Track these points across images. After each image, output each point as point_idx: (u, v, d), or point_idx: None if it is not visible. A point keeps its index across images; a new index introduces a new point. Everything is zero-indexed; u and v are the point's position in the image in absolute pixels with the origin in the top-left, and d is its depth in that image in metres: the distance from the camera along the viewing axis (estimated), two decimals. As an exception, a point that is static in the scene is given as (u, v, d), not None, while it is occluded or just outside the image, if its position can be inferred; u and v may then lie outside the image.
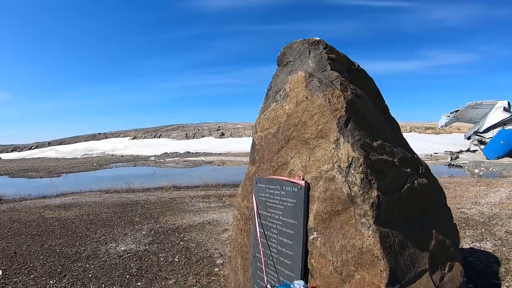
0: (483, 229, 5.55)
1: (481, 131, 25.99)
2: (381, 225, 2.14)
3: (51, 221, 7.25)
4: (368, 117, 2.65)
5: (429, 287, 2.17)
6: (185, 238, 5.91)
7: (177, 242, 5.69)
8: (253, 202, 3.07)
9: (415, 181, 2.51)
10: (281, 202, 2.69)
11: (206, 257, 5.01)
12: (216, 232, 6.10)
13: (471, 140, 26.97)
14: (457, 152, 26.97)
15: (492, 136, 24.22)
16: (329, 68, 2.72)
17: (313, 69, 2.78)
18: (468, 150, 27.81)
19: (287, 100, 2.91)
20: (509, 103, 26.09)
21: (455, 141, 34.15)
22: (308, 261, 2.42)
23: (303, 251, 2.44)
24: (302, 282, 2.24)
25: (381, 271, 2.07)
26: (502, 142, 22.23)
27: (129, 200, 9.70)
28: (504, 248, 4.38)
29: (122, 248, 5.40)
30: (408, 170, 2.54)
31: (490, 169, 17.76)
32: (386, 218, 2.17)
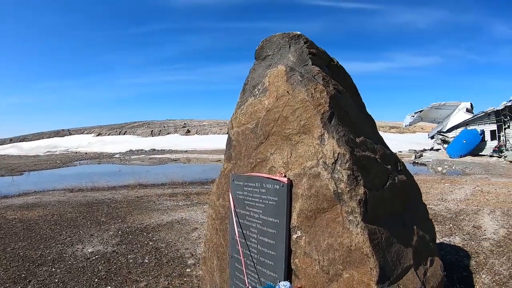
0: (451, 224, 5.67)
1: (444, 130, 26.27)
2: (368, 222, 2.05)
3: (14, 222, 6.66)
4: (349, 113, 2.56)
5: (415, 282, 2.12)
6: (154, 238, 5.59)
7: (146, 243, 5.36)
8: (229, 201, 2.88)
9: (396, 178, 2.46)
10: (261, 200, 2.53)
11: (176, 257, 4.74)
12: (186, 231, 5.83)
13: (434, 139, 27.13)
14: (421, 151, 27.40)
15: (455, 135, 24.56)
16: (310, 62, 2.60)
17: (294, 63, 2.64)
18: (431, 149, 28.23)
19: (266, 94, 2.76)
20: (471, 105, 26.60)
21: (419, 140, 34.94)
22: (292, 261, 2.28)
23: (286, 251, 2.29)
24: (288, 284, 2.09)
25: (371, 268, 1.98)
26: (464, 141, 22.57)
27: (95, 199, 9.10)
28: (472, 242, 4.48)
29: (89, 250, 5.01)
30: (389, 167, 2.49)
31: (453, 167, 17.89)
32: (372, 215, 2.09)
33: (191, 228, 5.91)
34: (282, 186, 2.35)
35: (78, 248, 5.12)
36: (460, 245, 4.46)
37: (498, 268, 3.48)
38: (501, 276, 3.28)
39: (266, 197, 2.49)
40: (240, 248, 2.65)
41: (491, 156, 21.75)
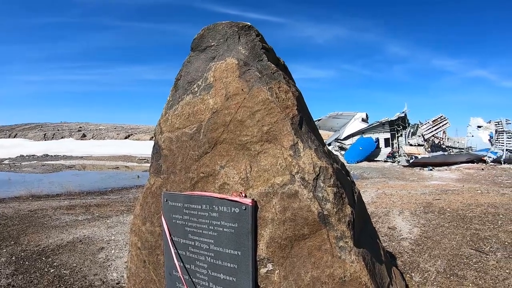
0: (367, 228, 5.48)
1: (341, 138, 25.69)
2: (357, 246, 1.50)
3: None
4: (311, 119, 2.00)
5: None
6: (55, 263, 3.98)
7: (47, 270, 3.76)
8: (163, 226, 1.97)
9: (355, 189, 2.02)
10: (212, 227, 1.73)
11: (85, 287, 3.40)
12: (91, 252, 4.37)
13: (332, 146, 26.14)
14: (318, 158, 27.66)
15: (351, 143, 24.12)
16: (266, 58, 1.94)
17: (246, 57, 1.93)
18: (329, 156, 28.95)
19: (210, 92, 1.96)
20: (367, 115, 26.84)
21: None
22: (262, 306, 1.57)
23: (254, 293, 1.57)
24: None
25: None
26: (360, 148, 22.41)
27: (-25, 216, 6.30)
28: (393, 243, 4.33)
29: (-25, 287, 3.17)
30: (349, 178, 2.03)
31: (352, 172, 17.69)
32: (356, 237, 1.56)
33: (97, 248, 4.47)
34: (244, 209, 1.61)
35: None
36: (383, 246, 4.30)
37: (424, 265, 3.44)
38: (429, 272, 3.25)
39: (219, 223, 1.70)
40: (186, 286, 1.78)
41: (385, 161, 21.72)
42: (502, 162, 18.78)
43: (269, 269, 1.58)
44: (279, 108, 1.70)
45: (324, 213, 1.50)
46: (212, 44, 2.13)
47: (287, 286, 1.54)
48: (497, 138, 21.96)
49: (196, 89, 2.05)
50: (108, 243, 4.65)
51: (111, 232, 5.09)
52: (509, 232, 4.54)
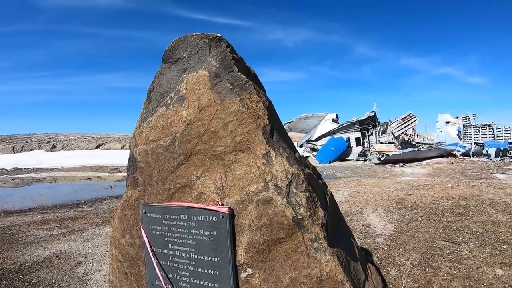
0: (342, 226, 5.33)
1: (312, 139, 24.98)
2: (331, 246, 1.55)
3: None
4: (282, 126, 2.03)
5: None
6: (33, 281, 3.72)
7: None
8: (143, 238, 1.91)
9: (327, 191, 2.08)
10: (191, 236, 1.70)
11: (65, 304, 3.22)
12: (69, 267, 4.13)
13: (303, 147, 25.19)
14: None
15: (323, 143, 23.33)
16: (236, 69, 1.94)
17: (217, 69, 1.91)
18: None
19: (183, 104, 1.93)
20: (337, 115, 26.12)
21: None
22: (244, 309, 1.57)
23: (236, 297, 1.57)
24: None
25: None
26: (332, 148, 21.73)
27: None
28: (368, 240, 4.28)
29: None
30: (320, 181, 2.08)
31: (325, 172, 16.82)
32: (329, 237, 1.60)
33: (74, 263, 4.23)
34: (222, 217, 1.60)
35: None
36: (358, 244, 4.27)
37: (400, 260, 3.43)
38: (405, 266, 3.26)
39: (198, 231, 1.68)
40: (165, 300, 1.74)
41: (357, 160, 21.25)
42: (471, 155, 18.60)
43: (249, 273, 1.59)
44: (251, 119, 1.71)
45: (298, 217, 1.53)
46: (184, 56, 2.09)
47: (267, 288, 1.56)
48: (465, 132, 21.91)
49: (169, 101, 2.01)
50: (86, 257, 4.42)
51: (87, 246, 4.83)
52: (480, 223, 4.56)
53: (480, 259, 3.30)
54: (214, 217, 1.62)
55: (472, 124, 22.91)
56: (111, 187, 13.75)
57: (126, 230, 2.09)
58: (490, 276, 2.88)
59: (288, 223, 1.53)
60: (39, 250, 4.83)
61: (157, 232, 1.85)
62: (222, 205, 1.64)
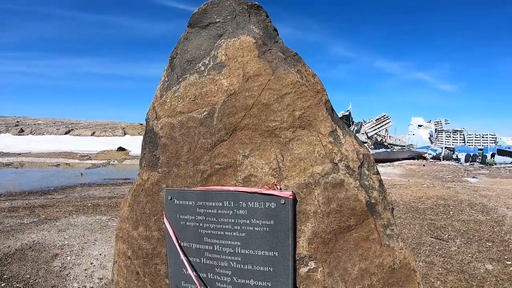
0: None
1: None
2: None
3: None
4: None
5: None
6: (5, 276, 2.88)
7: None
8: (166, 230, 1.41)
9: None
10: (238, 227, 1.26)
11: (39, 306, 2.48)
12: (44, 260, 3.30)
13: None
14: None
15: None
16: (281, 40, 1.55)
17: (262, 37, 1.50)
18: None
19: (223, 71, 1.47)
20: None
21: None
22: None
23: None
24: None
25: (418, 283, 1.18)
26: None
27: None
28: None
29: None
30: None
31: None
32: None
33: (50, 256, 3.40)
34: (283, 203, 1.20)
35: None
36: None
37: None
38: None
39: (248, 221, 1.24)
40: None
41: None
42: (441, 159, 17.91)
43: (311, 267, 1.21)
44: (312, 92, 1.33)
45: (372, 201, 1.20)
46: (218, 20, 1.62)
47: (333, 283, 1.19)
48: (437, 136, 20.94)
49: (202, 68, 1.53)
50: (62, 249, 3.60)
51: (63, 236, 3.97)
52: (462, 221, 4.50)
53: (469, 255, 3.23)
54: (273, 203, 1.21)
55: (444, 129, 21.98)
56: (81, 174, 12.17)
57: (139, 220, 1.56)
58: (482, 271, 2.85)
59: (361, 208, 1.19)
60: (10, 241, 3.84)
61: (187, 223, 1.37)
62: (280, 189, 1.24)
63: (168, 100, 1.56)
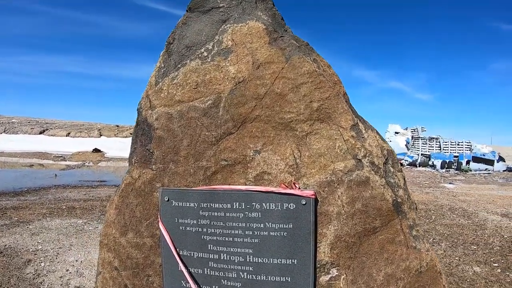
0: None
1: None
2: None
3: None
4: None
5: None
6: None
7: None
8: (162, 236, 1.16)
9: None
10: (250, 232, 1.05)
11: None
12: (16, 266, 2.80)
13: None
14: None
15: None
16: (290, 29, 1.38)
17: (271, 24, 1.32)
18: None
19: (229, 58, 1.26)
20: None
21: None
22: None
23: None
24: None
25: (443, 286, 1.04)
26: None
27: None
28: None
29: None
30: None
31: None
32: (423, 228, 1.16)
33: (23, 261, 2.90)
34: (304, 204, 1.01)
35: None
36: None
37: None
38: None
39: (262, 225, 1.04)
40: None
41: None
42: (418, 165, 17.65)
43: (333, 275, 1.03)
44: (330, 83, 1.17)
45: (398, 200, 1.05)
46: (221, 5, 1.40)
47: (358, 294, 1.03)
48: (413, 143, 20.68)
49: (205, 53, 1.31)
50: (35, 254, 3.11)
51: (36, 241, 3.45)
52: (445, 225, 4.37)
53: (456, 258, 3.16)
54: (292, 204, 1.01)
55: (421, 136, 21.70)
56: (56, 175, 11.09)
57: (128, 225, 1.28)
58: (470, 273, 2.81)
59: (387, 208, 1.03)
60: (-25, 246, 3.23)
61: (188, 228, 1.13)
62: (299, 188, 1.05)
63: (165, 88, 1.31)
